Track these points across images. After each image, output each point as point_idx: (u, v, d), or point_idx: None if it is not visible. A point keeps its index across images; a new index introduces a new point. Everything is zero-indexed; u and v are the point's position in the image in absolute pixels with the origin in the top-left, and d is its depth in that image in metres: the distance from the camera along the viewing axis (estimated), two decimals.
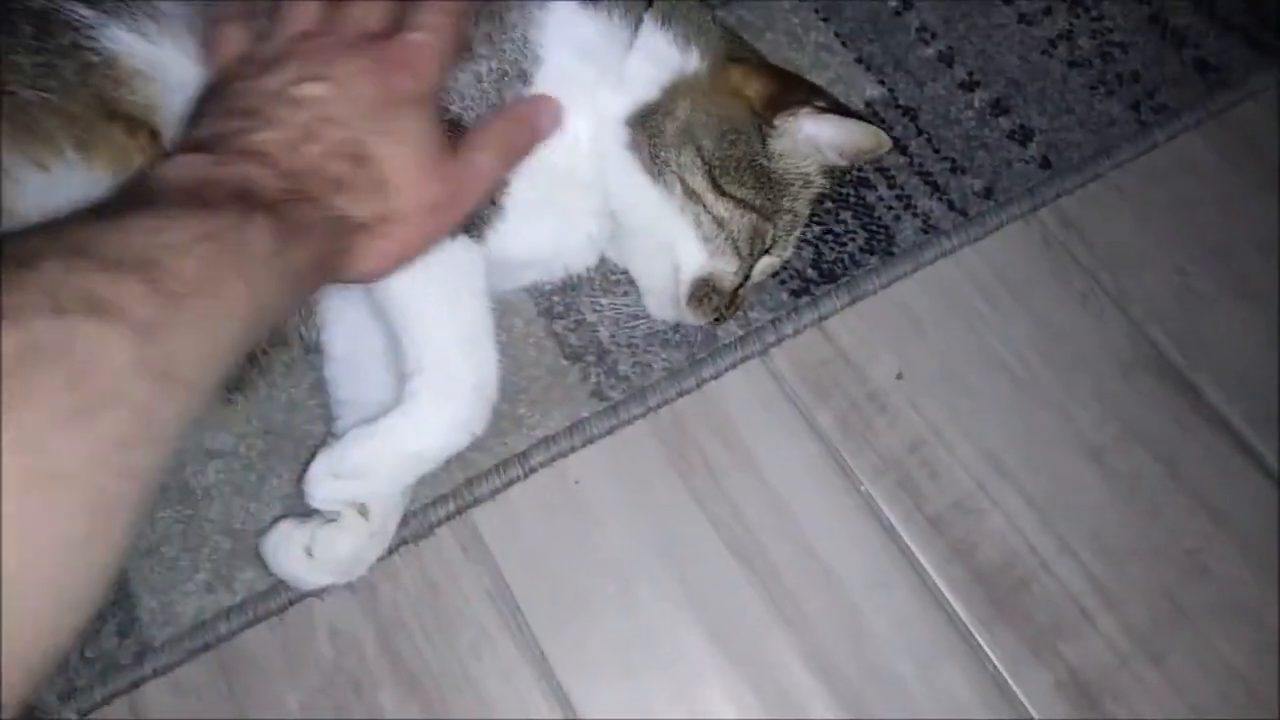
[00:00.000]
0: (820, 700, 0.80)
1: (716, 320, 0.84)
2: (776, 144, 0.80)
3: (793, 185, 0.82)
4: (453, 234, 0.73)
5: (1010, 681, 0.81)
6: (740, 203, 0.79)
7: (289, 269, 0.56)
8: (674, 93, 0.79)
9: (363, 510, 0.74)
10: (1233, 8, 1.09)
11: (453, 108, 0.74)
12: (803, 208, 0.84)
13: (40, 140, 0.70)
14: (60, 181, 0.69)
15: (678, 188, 0.78)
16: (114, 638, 0.78)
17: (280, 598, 0.79)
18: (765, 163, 0.80)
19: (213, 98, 0.66)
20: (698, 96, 0.79)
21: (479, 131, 0.72)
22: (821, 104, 0.81)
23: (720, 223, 0.79)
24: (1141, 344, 0.95)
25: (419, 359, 0.71)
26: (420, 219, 0.67)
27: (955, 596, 0.83)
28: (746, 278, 0.83)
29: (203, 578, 0.80)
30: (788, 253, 0.87)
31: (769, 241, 0.82)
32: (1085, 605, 0.84)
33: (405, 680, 0.79)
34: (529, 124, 0.75)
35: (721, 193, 0.78)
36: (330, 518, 0.75)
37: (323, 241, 0.61)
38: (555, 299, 0.92)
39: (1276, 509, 0.88)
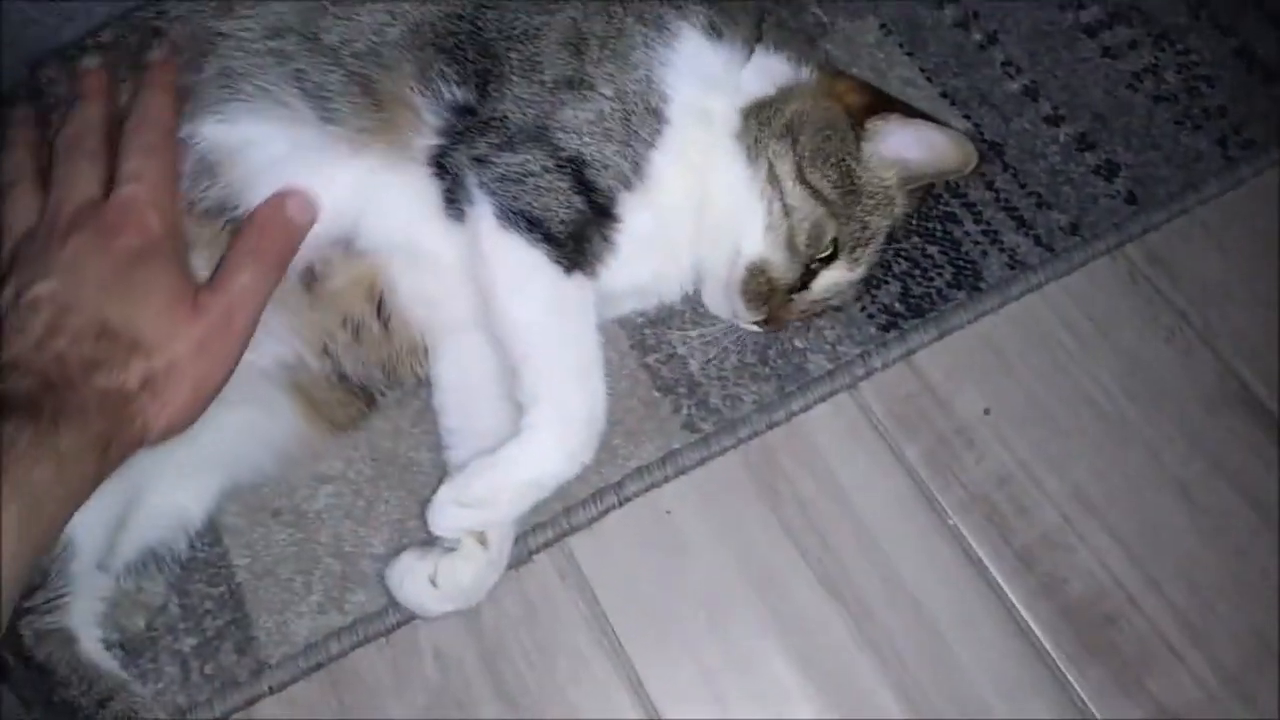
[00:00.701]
0: None
1: (766, 323, 0.87)
2: (868, 146, 0.85)
3: (871, 196, 0.85)
4: (568, 271, 0.77)
5: (1098, 716, 0.83)
6: (815, 193, 0.83)
7: (58, 456, 0.62)
8: (787, 93, 0.85)
9: (482, 539, 0.79)
10: None
11: (570, 145, 0.78)
12: (876, 224, 0.86)
13: None
14: None
15: (764, 171, 0.83)
16: (232, 655, 0.83)
17: (388, 619, 0.84)
18: (853, 165, 0.84)
19: None
20: (806, 98, 0.85)
21: (229, 253, 0.75)
22: (913, 111, 0.86)
23: (788, 210, 0.83)
24: (1229, 380, 0.97)
25: (536, 391, 0.76)
26: (194, 360, 0.71)
27: (1043, 632, 0.86)
28: (804, 284, 0.86)
29: (315, 599, 0.85)
30: (855, 274, 0.88)
31: (827, 243, 0.84)
32: (1173, 642, 0.86)
33: (507, 702, 0.83)
34: (279, 228, 0.76)
35: (802, 181, 0.83)
36: (449, 547, 0.79)
37: (98, 420, 0.65)
38: (647, 332, 0.96)
39: None
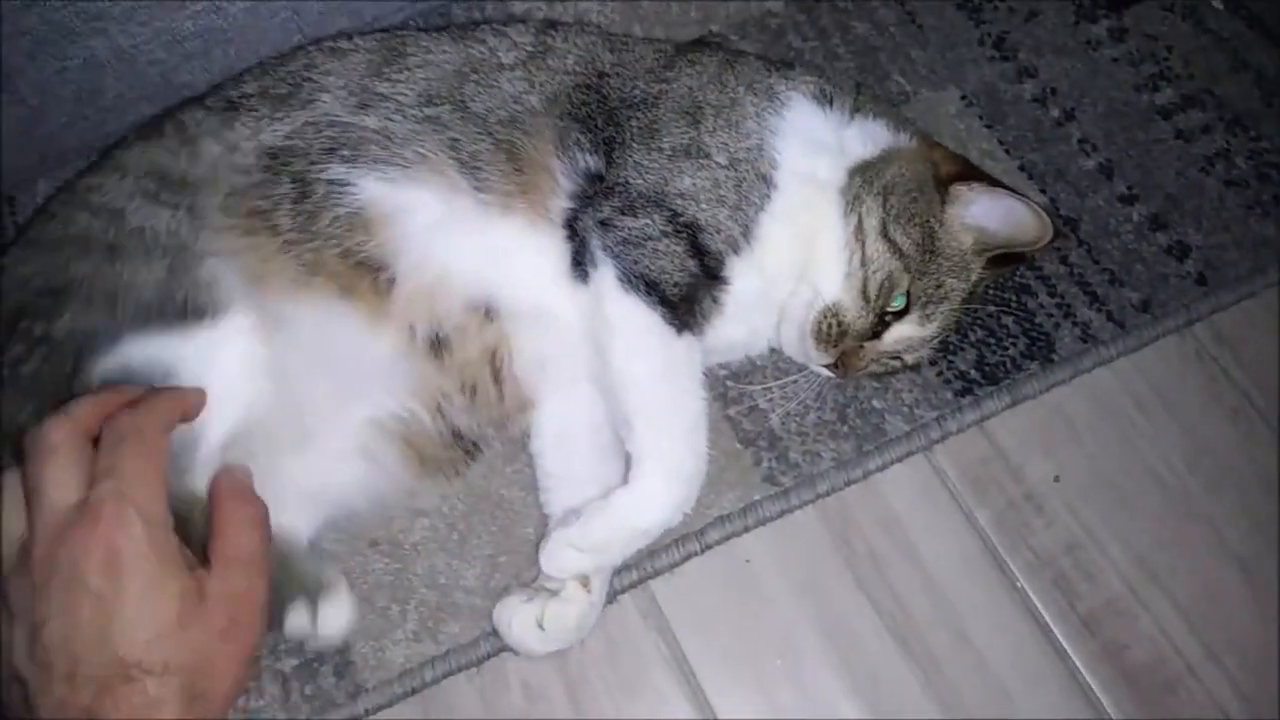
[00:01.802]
0: None
1: (836, 367, 0.95)
2: (951, 210, 0.94)
3: (948, 258, 0.94)
4: (679, 332, 0.87)
5: None
6: (894, 248, 0.91)
7: None
8: (889, 156, 0.95)
9: (584, 582, 0.88)
10: None
11: (688, 211, 0.88)
12: (950, 285, 0.94)
13: (304, 285, 0.85)
14: (321, 319, 0.85)
15: (854, 224, 0.92)
16: (330, 677, 0.92)
17: (480, 649, 0.93)
18: (935, 226, 0.93)
19: None
20: (905, 162, 0.95)
21: (217, 524, 0.74)
22: (997, 182, 0.95)
23: (865, 261, 0.91)
24: None
25: (648, 443, 0.85)
26: (227, 645, 0.70)
27: (1105, 695, 0.95)
28: (876, 334, 0.94)
29: (411, 627, 0.94)
30: (926, 331, 0.96)
31: (895, 295, 0.92)
32: (1229, 711, 0.95)
33: None
34: (252, 492, 0.78)
35: (885, 236, 0.91)
36: (552, 589, 0.88)
37: None
38: (729, 385, 1.04)
39: None
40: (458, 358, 0.88)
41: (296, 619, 0.83)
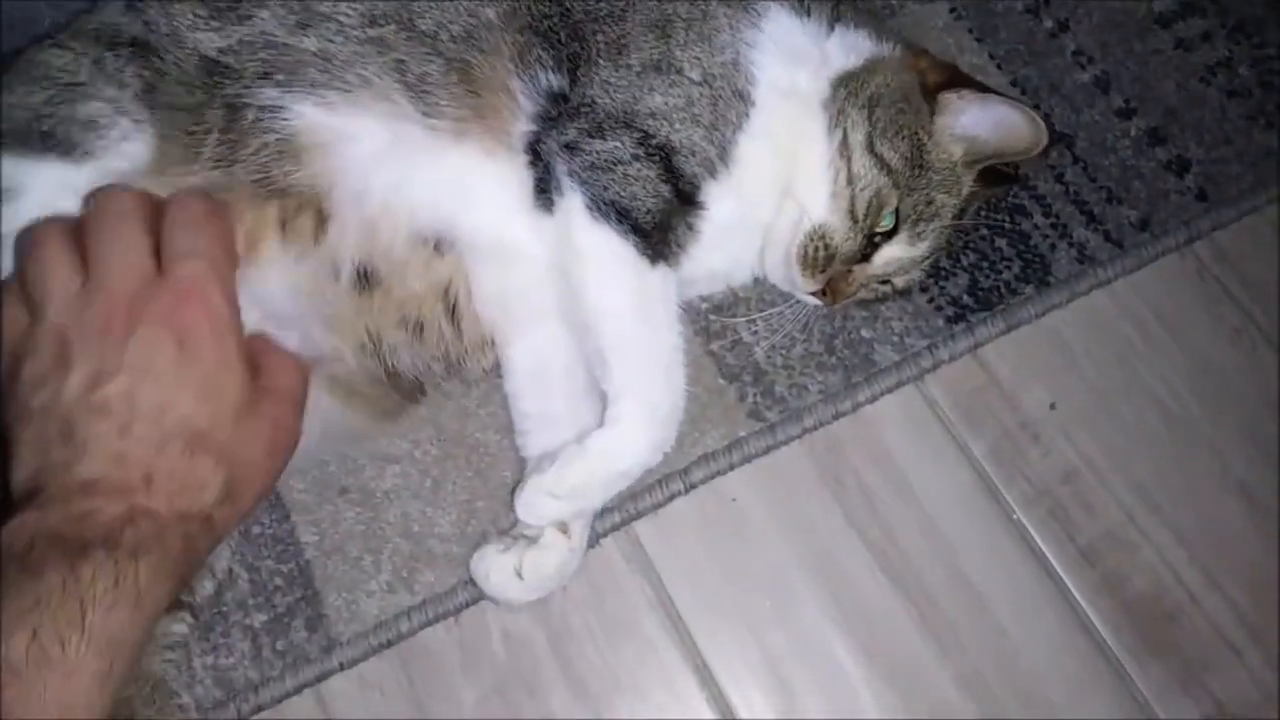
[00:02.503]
0: None
1: (822, 294, 0.92)
2: (939, 120, 0.90)
3: (938, 172, 0.91)
4: (653, 262, 0.83)
5: (1158, 712, 0.91)
6: (882, 163, 0.88)
7: (137, 594, 0.62)
8: (872, 66, 0.91)
9: (563, 528, 0.86)
10: None
11: (660, 132, 0.84)
12: (941, 202, 0.91)
13: None
14: None
15: (839, 139, 0.89)
16: (302, 631, 0.90)
17: (457, 599, 0.91)
18: (923, 138, 0.90)
19: (14, 406, 0.69)
20: (890, 72, 0.91)
21: (265, 364, 0.77)
22: (988, 88, 0.92)
23: (852, 179, 0.88)
24: None
25: (624, 382, 0.82)
26: (262, 465, 0.73)
27: (1105, 627, 0.93)
28: (865, 257, 0.91)
29: (385, 578, 0.92)
30: (917, 251, 0.93)
31: (885, 214, 0.89)
32: (1233, 640, 0.94)
33: (574, 683, 0.90)
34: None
35: (871, 151, 0.88)
36: (530, 536, 0.86)
37: (177, 546, 0.65)
38: (711, 318, 1.02)
39: None
40: (395, 294, 0.84)
41: None
